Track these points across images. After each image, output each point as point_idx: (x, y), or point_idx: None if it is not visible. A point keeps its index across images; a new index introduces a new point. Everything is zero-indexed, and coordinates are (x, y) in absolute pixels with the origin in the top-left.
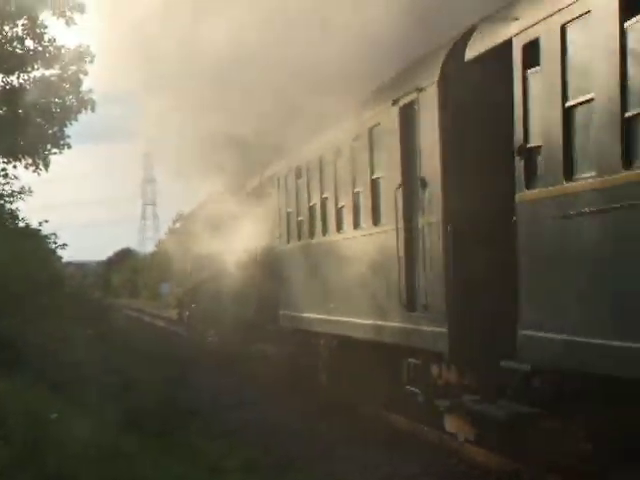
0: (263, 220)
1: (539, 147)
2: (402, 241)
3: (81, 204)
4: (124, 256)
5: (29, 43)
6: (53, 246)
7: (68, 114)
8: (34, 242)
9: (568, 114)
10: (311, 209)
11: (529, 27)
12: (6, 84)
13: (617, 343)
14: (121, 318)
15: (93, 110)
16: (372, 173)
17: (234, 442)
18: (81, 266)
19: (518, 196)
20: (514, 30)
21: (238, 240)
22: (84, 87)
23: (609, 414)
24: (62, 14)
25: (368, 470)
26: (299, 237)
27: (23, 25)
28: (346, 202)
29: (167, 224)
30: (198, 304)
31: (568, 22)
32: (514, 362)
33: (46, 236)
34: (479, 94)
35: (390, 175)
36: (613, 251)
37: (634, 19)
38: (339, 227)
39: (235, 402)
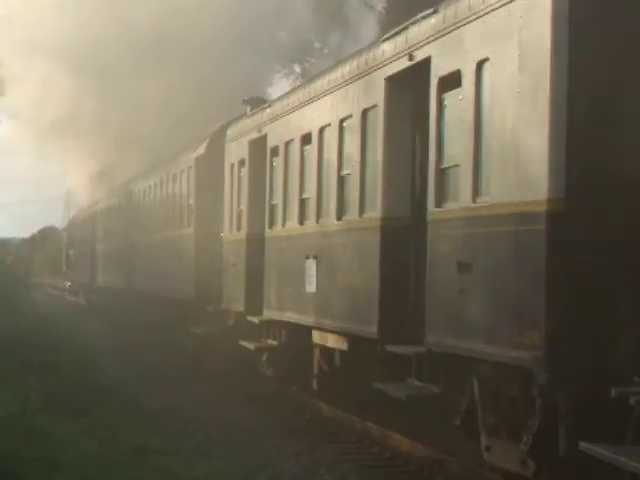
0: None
1: None
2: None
3: (6, 182)
4: (48, 234)
5: None
6: None
7: None
8: None
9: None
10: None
11: None
12: None
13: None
14: (42, 296)
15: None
16: None
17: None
18: (4, 243)
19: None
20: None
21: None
22: None
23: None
24: None
25: (293, 458)
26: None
27: None
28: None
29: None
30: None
31: None
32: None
33: None
34: None
35: None
36: None
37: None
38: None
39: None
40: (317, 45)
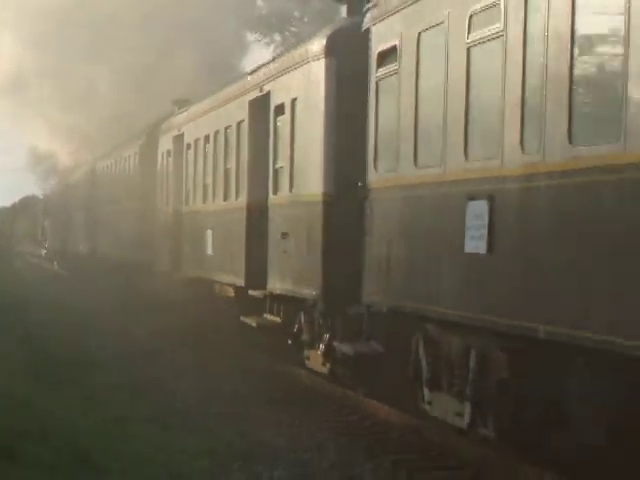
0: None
1: None
2: None
3: None
4: (29, 203)
5: None
6: None
7: None
8: None
9: None
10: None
11: None
12: None
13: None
14: (23, 264)
15: None
16: None
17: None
18: None
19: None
20: None
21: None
22: None
23: None
24: None
25: (280, 428)
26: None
27: None
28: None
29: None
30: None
31: None
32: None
33: None
34: None
35: None
36: None
37: None
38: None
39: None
40: (297, 14)
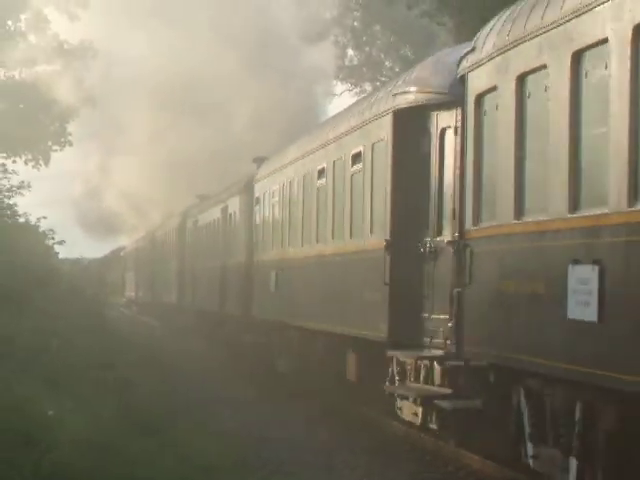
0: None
1: None
2: None
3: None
4: (119, 254)
5: (32, 38)
6: (50, 242)
7: (70, 111)
8: (32, 238)
9: None
10: None
11: None
12: (8, 79)
13: None
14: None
15: (95, 107)
16: None
17: None
18: (76, 262)
19: None
20: None
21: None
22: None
23: None
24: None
25: (365, 478)
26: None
27: (26, 19)
28: None
29: None
30: None
31: None
32: None
33: (44, 232)
34: None
35: None
36: None
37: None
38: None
39: None
40: (388, 64)
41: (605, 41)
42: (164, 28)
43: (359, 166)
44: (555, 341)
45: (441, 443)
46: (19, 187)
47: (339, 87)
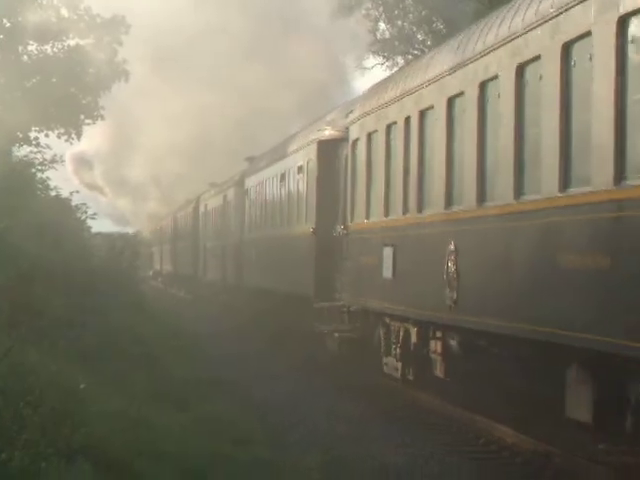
0: None
1: None
2: None
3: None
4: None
5: (64, 12)
6: (83, 216)
7: (102, 84)
8: (64, 212)
9: None
10: None
11: None
12: (40, 52)
13: None
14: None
15: (127, 80)
16: None
17: None
18: (109, 237)
19: None
20: None
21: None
22: (118, 58)
23: None
24: None
25: (402, 449)
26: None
27: None
28: None
29: None
30: None
31: None
32: None
33: (76, 206)
34: None
35: None
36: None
37: None
38: None
39: None
40: (420, 37)
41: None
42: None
43: (301, 175)
44: (378, 290)
45: (475, 417)
46: (52, 161)
47: (370, 60)
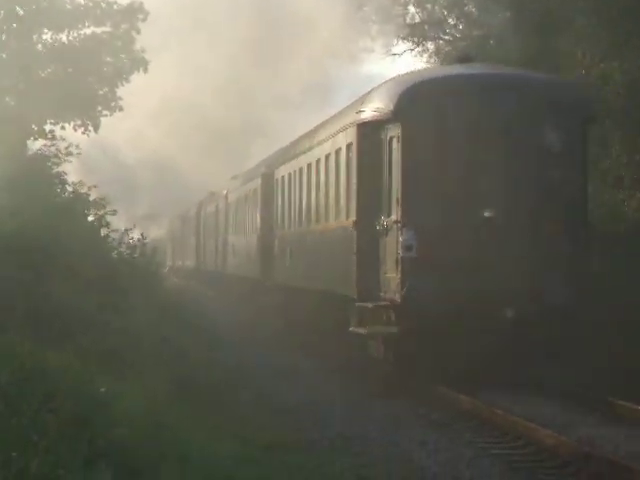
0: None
1: None
2: None
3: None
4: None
5: None
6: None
7: (119, 74)
8: (83, 208)
9: None
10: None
11: None
12: (55, 41)
13: None
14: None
15: (145, 71)
16: None
17: None
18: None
19: None
20: None
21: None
22: (136, 46)
23: None
24: None
25: (433, 453)
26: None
27: None
28: None
29: None
30: None
31: None
32: None
33: (94, 201)
34: None
35: None
36: None
37: None
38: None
39: None
40: (451, 21)
41: None
42: None
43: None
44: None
45: (513, 418)
46: (67, 154)
47: (400, 46)
